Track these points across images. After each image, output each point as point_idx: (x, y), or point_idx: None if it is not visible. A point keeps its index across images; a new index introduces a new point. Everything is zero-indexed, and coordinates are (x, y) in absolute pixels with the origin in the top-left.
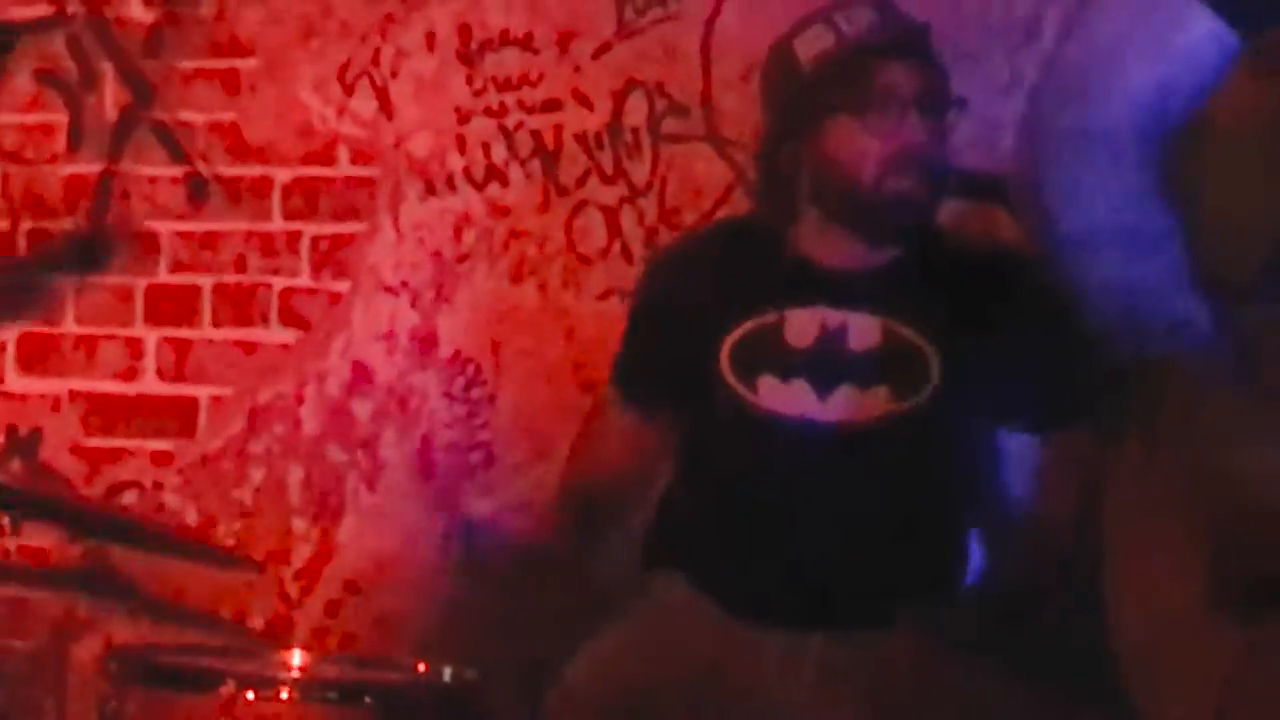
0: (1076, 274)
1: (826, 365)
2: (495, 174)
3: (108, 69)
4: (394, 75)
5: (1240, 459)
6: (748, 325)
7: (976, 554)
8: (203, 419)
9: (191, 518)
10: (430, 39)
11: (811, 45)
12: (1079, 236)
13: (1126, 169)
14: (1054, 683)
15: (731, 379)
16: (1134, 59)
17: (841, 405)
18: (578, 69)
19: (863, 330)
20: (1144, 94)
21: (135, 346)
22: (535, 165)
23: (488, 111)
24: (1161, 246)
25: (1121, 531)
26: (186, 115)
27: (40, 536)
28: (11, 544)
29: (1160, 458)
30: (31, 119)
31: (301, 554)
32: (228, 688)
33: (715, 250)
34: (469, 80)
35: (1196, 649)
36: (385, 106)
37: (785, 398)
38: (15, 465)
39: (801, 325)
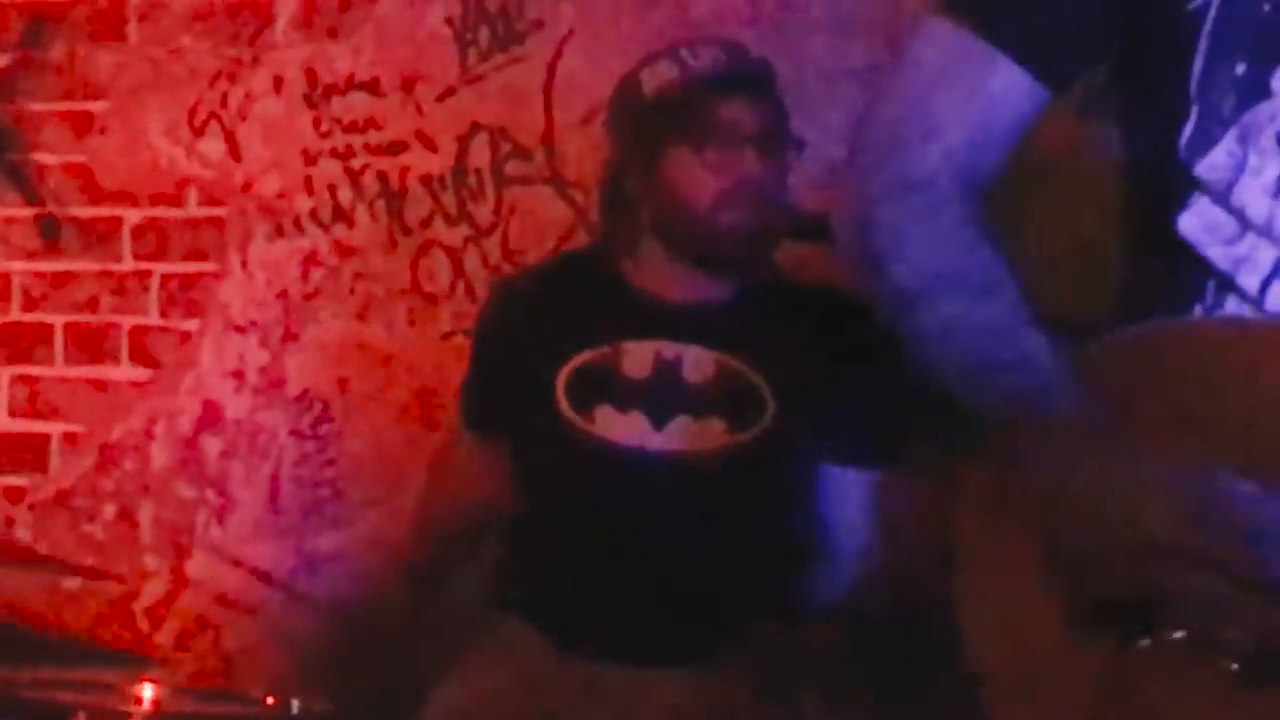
0: (913, 321)
1: (663, 397)
2: (342, 215)
3: None
4: (242, 118)
5: (1077, 484)
6: (585, 356)
7: (816, 586)
8: (55, 455)
9: (44, 552)
10: (278, 83)
11: (656, 77)
12: (910, 285)
13: (948, 216)
14: (903, 711)
15: (568, 410)
16: (946, 109)
17: (677, 436)
18: (422, 112)
19: (698, 363)
20: (957, 143)
21: None
22: (381, 206)
23: (334, 154)
24: (994, 289)
25: (975, 553)
26: (39, 157)
27: None
28: None
29: (1008, 482)
30: None
31: (153, 589)
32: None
33: (555, 282)
34: (316, 123)
35: (1057, 673)
36: (234, 149)
37: (622, 428)
38: None
39: (638, 357)
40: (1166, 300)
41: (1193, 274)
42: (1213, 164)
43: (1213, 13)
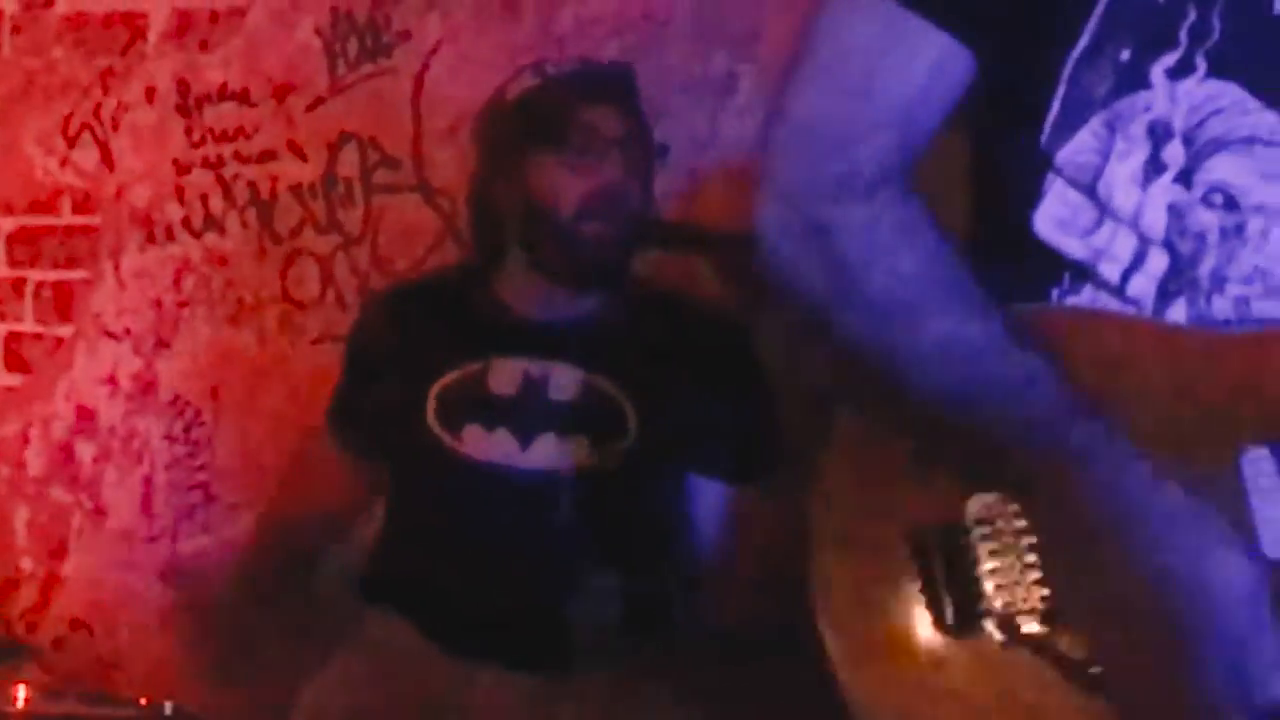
0: (890, 342)
1: (528, 414)
2: (213, 223)
3: None
4: (115, 128)
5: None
6: (454, 374)
7: (680, 596)
8: None
9: None
10: (150, 93)
11: (519, 85)
12: (891, 296)
13: (910, 214)
14: None
15: (437, 427)
16: (888, 93)
17: (542, 454)
18: (292, 122)
19: (563, 381)
20: (906, 129)
21: None
22: (252, 215)
23: (205, 163)
24: (974, 297)
25: (828, 535)
26: None
27: None
28: None
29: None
30: None
31: (28, 592)
32: None
33: (425, 298)
34: (188, 132)
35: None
36: (107, 158)
37: (489, 446)
38: None
39: (505, 375)
40: (1021, 293)
41: (1047, 266)
42: (1077, 148)
43: None
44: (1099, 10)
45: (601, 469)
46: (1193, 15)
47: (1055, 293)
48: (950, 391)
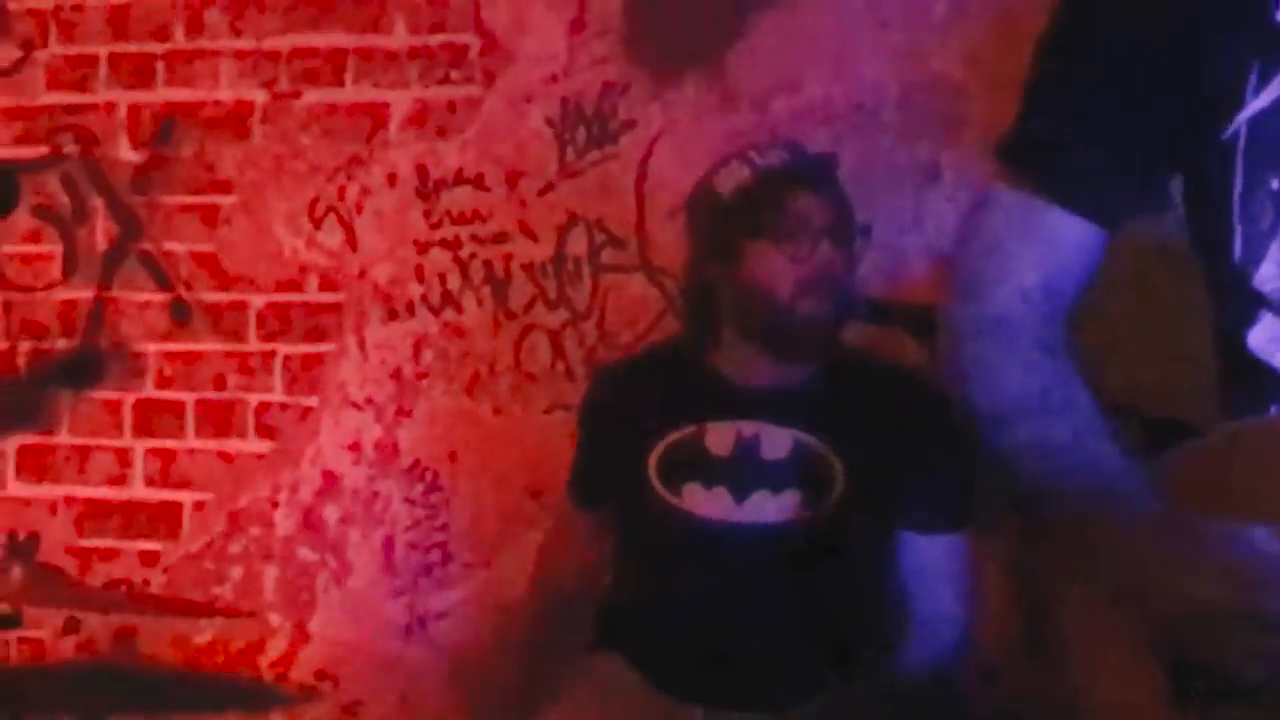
0: (1002, 438)
1: (743, 473)
2: (450, 300)
3: (99, 204)
4: (358, 210)
5: (1151, 565)
6: (673, 437)
7: (884, 643)
8: (186, 522)
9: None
10: (392, 178)
11: (730, 178)
12: (994, 410)
13: (1026, 348)
14: None
15: (659, 486)
16: (1017, 256)
17: (757, 509)
18: (525, 205)
19: (774, 441)
20: (1032, 284)
21: (124, 456)
22: (487, 292)
23: (444, 243)
24: (1071, 408)
25: (1080, 627)
26: (171, 246)
27: (39, 628)
28: (11, 637)
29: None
30: (30, 250)
31: (277, 645)
32: None
33: (647, 370)
34: (427, 215)
35: None
36: (350, 238)
37: (707, 502)
38: (15, 564)
39: (720, 437)
40: (1248, 403)
41: (1265, 382)
42: (1264, 277)
43: (1243, 138)
44: (1240, 151)
45: (812, 522)
46: None
47: (1274, 408)
48: (1042, 472)
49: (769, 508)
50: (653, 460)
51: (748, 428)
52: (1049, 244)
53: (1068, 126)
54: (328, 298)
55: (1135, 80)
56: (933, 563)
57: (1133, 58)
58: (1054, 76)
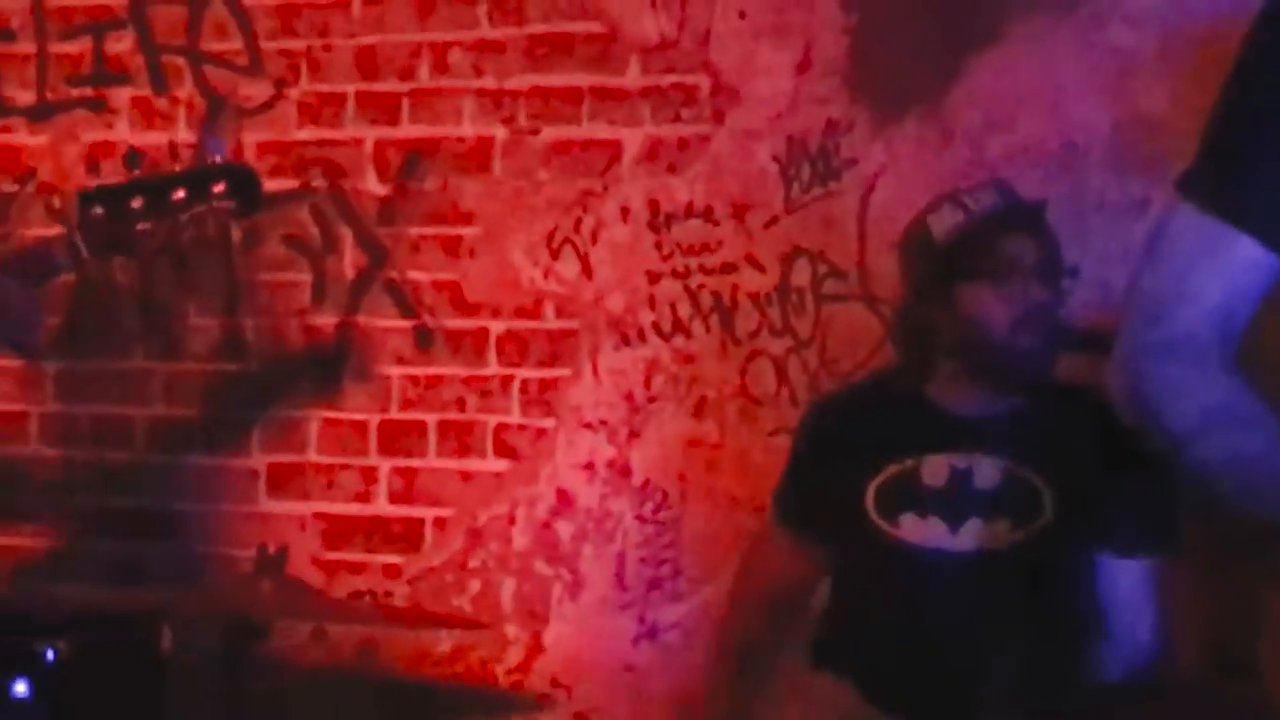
0: (1189, 456)
1: (957, 502)
2: (680, 327)
3: (347, 234)
4: (594, 242)
5: None
6: (890, 469)
7: (1090, 660)
8: (427, 537)
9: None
10: (625, 212)
11: (944, 221)
12: (1181, 428)
13: (1210, 367)
14: None
15: (876, 516)
16: (1200, 280)
17: (970, 537)
18: (751, 237)
19: (986, 471)
20: (1212, 306)
21: (370, 474)
22: (714, 320)
23: (674, 273)
24: (1257, 423)
25: None
26: (415, 275)
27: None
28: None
29: None
30: (281, 277)
31: (514, 655)
32: None
33: (863, 403)
34: (658, 246)
35: None
36: (586, 269)
37: (923, 532)
38: (265, 578)
39: (935, 468)
40: None
41: None
42: None
43: None
44: None
45: (1021, 547)
46: None
47: None
48: (1232, 488)
49: (981, 535)
50: (870, 491)
51: (961, 460)
52: (1233, 268)
53: (1252, 155)
54: (564, 324)
55: None
56: (1134, 586)
57: None
58: (1239, 107)
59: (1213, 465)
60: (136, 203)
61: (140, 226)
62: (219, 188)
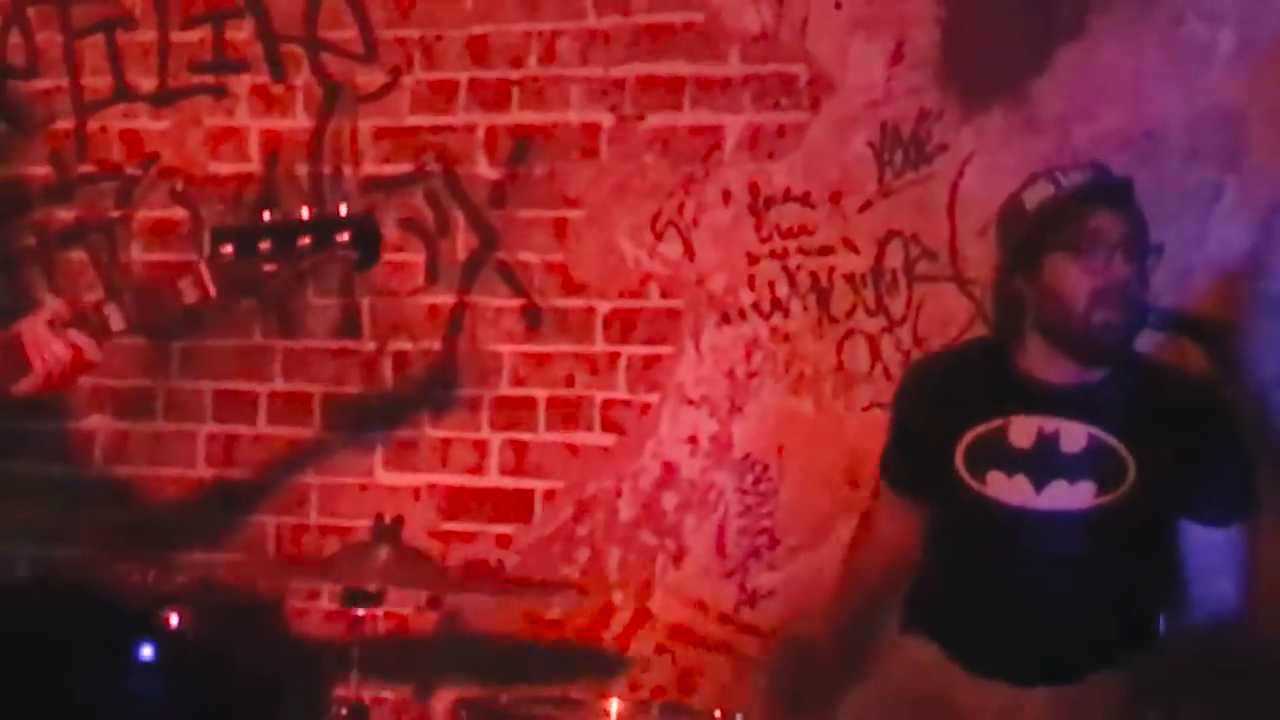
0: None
1: (1042, 464)
2: (779, 306)
3: (459, 217)
4: (695, 225)
5: None
6: (980, 429)
7: (1166, 622)
8: (537, 508)
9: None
10: (726, 195)
11: (1036, 194)
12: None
13: None
14: None
15: (965, 473)
16: None
17: (1054, 497)
18: (846, 221)
19: (1072, 435)
20: None
21: (482, 447)
22: (811, 299)
23: (773, 255)
24: None
25: None
26: (524, 256)
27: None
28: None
29: None
30: (396, 258)
31: (619, 621)
32: None
33: (958, 365)
34: (757, 229)
35: None
36: (688, 250)
37: (1009, 490)
38: (383, 546)
39: (1023, 430)
40: None
41: None
42: None
43: None
44: None
45: (1104, 510)
46: None
47: None
48: None
49: (1065, 496)
50: (960, 449)
51: (1049, 423)
52: None
53: None
54: (668, 304)
55: None
56: (1214, 551)
57: None
58: None
59: None
60: (265, 244)
61: (266, 267)
62: (343, 237)
